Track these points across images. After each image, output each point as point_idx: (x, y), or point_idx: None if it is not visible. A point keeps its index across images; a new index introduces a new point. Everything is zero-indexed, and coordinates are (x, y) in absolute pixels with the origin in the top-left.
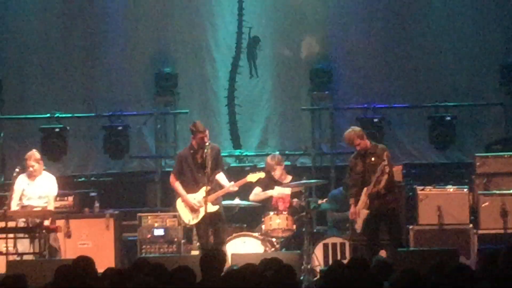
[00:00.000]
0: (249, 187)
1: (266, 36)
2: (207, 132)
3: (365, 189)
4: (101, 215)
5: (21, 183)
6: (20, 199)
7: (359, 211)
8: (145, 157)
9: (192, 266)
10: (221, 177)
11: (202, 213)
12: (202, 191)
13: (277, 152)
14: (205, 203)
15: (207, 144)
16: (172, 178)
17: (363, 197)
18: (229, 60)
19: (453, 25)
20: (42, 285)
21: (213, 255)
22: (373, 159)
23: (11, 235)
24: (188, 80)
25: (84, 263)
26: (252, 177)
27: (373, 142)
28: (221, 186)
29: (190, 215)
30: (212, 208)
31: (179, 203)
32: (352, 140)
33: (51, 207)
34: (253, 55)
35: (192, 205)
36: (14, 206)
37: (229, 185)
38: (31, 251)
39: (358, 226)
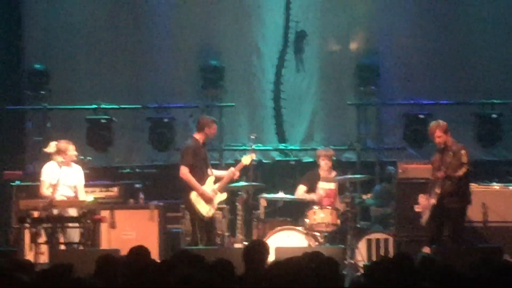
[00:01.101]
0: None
1: (313, 31)
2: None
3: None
4: (145, 206)
5: (56, 172)
6: (54, 188)
7: (430, 204)
8: None
9: (234, 259)
10: (215, 171)
11: (215, 204)
12: (210, 182)
13: (330, 147)
14: (215, 192)
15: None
16: (184, 170)
17: (436, 190)
18: (276, 54)
19: (499, 22)
20: (86, 274)
21: (256, 247)
22: (450, 153)
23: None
24: (234, 74)
25: (141, 253)
26: (245, 160)
27: (455, 141)
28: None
29: (208, 207)
30: (223, 196)
31: (195, 197)
32: (433, 131)
33: (83, 197)
34: (300, 49)
35: (209, 196)
36: (56, 195)
37: (230, 172)
38: (75, 240)
39: (424, 219)
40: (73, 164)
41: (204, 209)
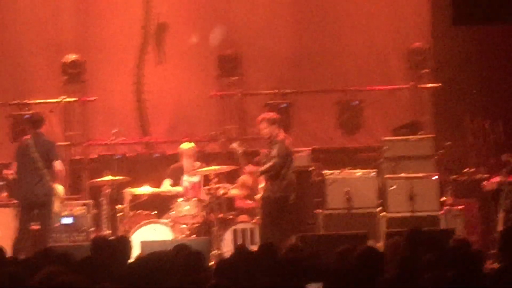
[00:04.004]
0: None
1: (174, 22)
2: None
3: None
4: (8, 204)
5: None
6: None
7: None
8: None
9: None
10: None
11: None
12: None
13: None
14: None
15: None
16: (58, 163)
17: None
18: (137, 47)
19: (361, 9)
20: None
21: (121, 243)
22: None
23: None
24: (96, 68)
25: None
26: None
27: (282, 133)
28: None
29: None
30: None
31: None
32: (259, 123)
33: None
34: (161, 41)
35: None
36: None
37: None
38: None
39: None
40: None
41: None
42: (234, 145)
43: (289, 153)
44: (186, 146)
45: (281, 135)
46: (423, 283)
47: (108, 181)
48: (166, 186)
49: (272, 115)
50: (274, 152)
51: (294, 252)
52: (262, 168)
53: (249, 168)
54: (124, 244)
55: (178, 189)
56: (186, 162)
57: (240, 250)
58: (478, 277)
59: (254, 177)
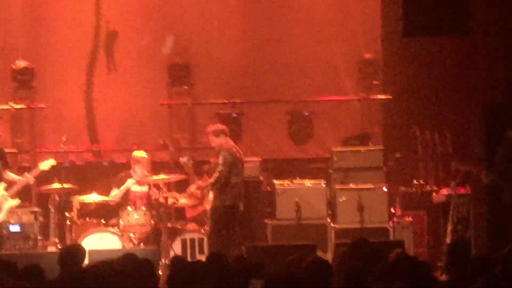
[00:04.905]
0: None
1: (124, 31)
2: None
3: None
4: None
5: None
6: None
7: None
8: None
9: (48, 263)
10: (11, 175)
11: (3, 211)
12: (0, 189)
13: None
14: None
15: None
16: None
17: None
18: (87, 54)
19: (312, 19)
20: None
21: (72, 251)
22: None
23: None
24: (46, 74)
25: None
26: (43, 165)
27: (228, 144)
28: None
29: None
30: (14, 202)
31: None
32: (208, 135)
33: None
34: (111, 49)
35: None
36: None
37: (24, 178)
38: None
39: None
40: None
41: None
42: (183, 159)
43: (236, 161)
44: (140, 154)
45: (228, 144)
46: None
47: (56, 189)
48: (114, 194)
49: (216, 127)
50: (220, 160)
51: (241, 262)
52: (211, 180)
53: (198, 183)
54: (76, 251)
55: (126, 185)
56: (138, 170)
57: (176, 261)
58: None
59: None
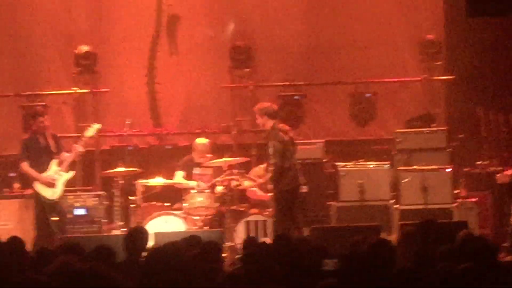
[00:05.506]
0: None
1: (185, 14)
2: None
3: None
4: (20, 195)
5: None
6: None
7: None
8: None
9: (113, 246)
10: (66, 154)
11: (60, 186)
12: (53, 166)
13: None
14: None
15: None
16: (22, 165)
17: None
18: (148, 38)
19: (374, 0)
20: None
21: (137, 233)
22: None
23: None
24: (108, 59)
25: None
26: (89, 132)
27: (276, 125)
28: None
29: (50, 190)
30: (69, 175)
31: (37, 185)
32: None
33: None
34: (173, 33)
35: (48, 181)
36: None
37: (73, 148)
38: None
39: None
40: None
41: (47, 193)
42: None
43: (287, 145)
44: (197, 140)
45: (276, 125)
46: (437, 274)
47: (120, 172)
48: (179, 178)
49: (260, 105)
50: (270, 151)
51: (305, 243)
52: (269, 174)
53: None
54: (140, 234)
55: (192, 183)
56: (195, 156)
57: (249, 242)
58: (494, 268)
59: (267, 169)
